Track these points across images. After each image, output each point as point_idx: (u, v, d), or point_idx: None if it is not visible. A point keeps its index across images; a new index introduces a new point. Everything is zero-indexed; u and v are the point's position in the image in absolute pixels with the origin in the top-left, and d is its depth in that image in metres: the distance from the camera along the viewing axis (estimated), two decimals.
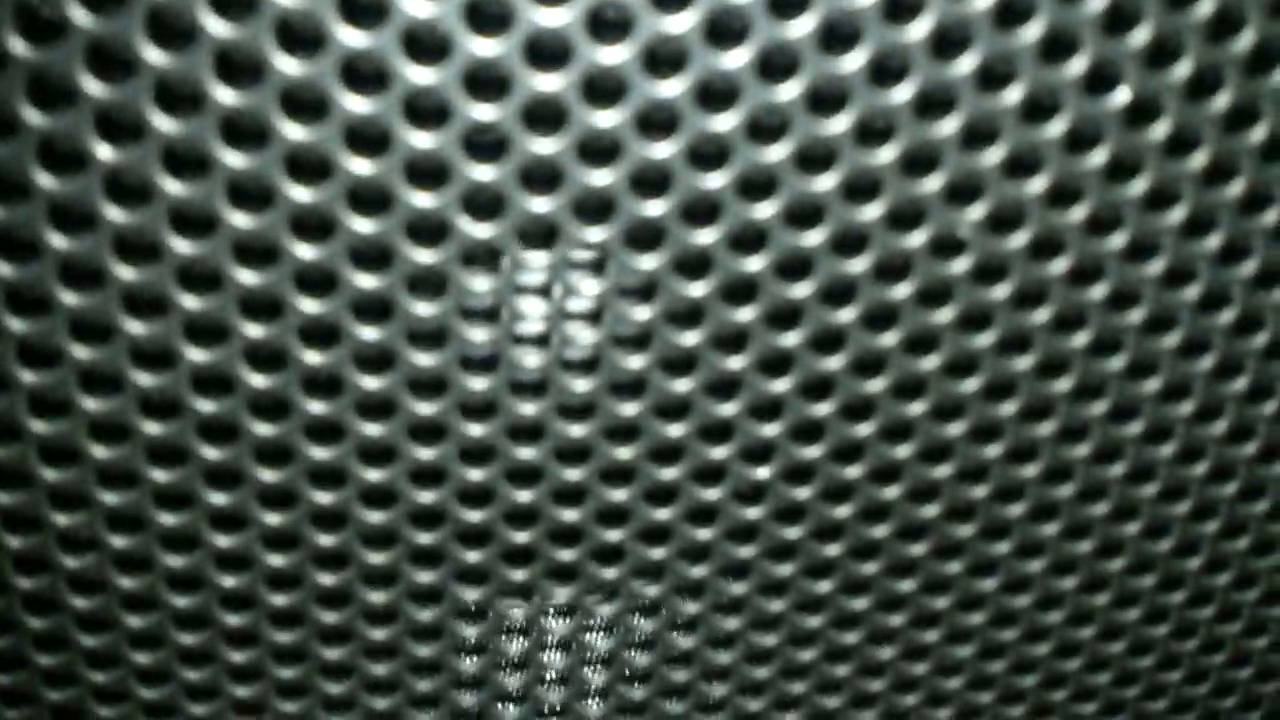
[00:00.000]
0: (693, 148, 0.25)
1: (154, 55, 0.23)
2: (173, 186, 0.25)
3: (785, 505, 0.31)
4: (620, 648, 0.34)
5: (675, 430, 0.29)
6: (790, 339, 0.28)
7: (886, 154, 0.26)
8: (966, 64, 0.25)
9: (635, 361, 0.28)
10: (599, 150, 0.25)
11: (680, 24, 0.24)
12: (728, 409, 0.29)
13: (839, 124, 0.25)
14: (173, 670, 0.32)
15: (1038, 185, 0.27)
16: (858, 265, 0.27)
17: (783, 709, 0.35)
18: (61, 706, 0.32)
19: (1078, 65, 0.25)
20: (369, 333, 0.27)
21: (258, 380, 0.27)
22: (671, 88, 0.25)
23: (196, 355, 0.27)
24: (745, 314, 0.28)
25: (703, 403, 0.29)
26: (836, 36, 0.24)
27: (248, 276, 0.26)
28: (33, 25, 0.23)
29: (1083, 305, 0.29)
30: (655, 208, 0.26)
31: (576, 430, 0.29)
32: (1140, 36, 0.25)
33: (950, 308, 0.28)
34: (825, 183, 0.26)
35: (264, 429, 0.28)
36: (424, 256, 0.26)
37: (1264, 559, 0.34)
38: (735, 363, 0.28)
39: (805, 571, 0.32)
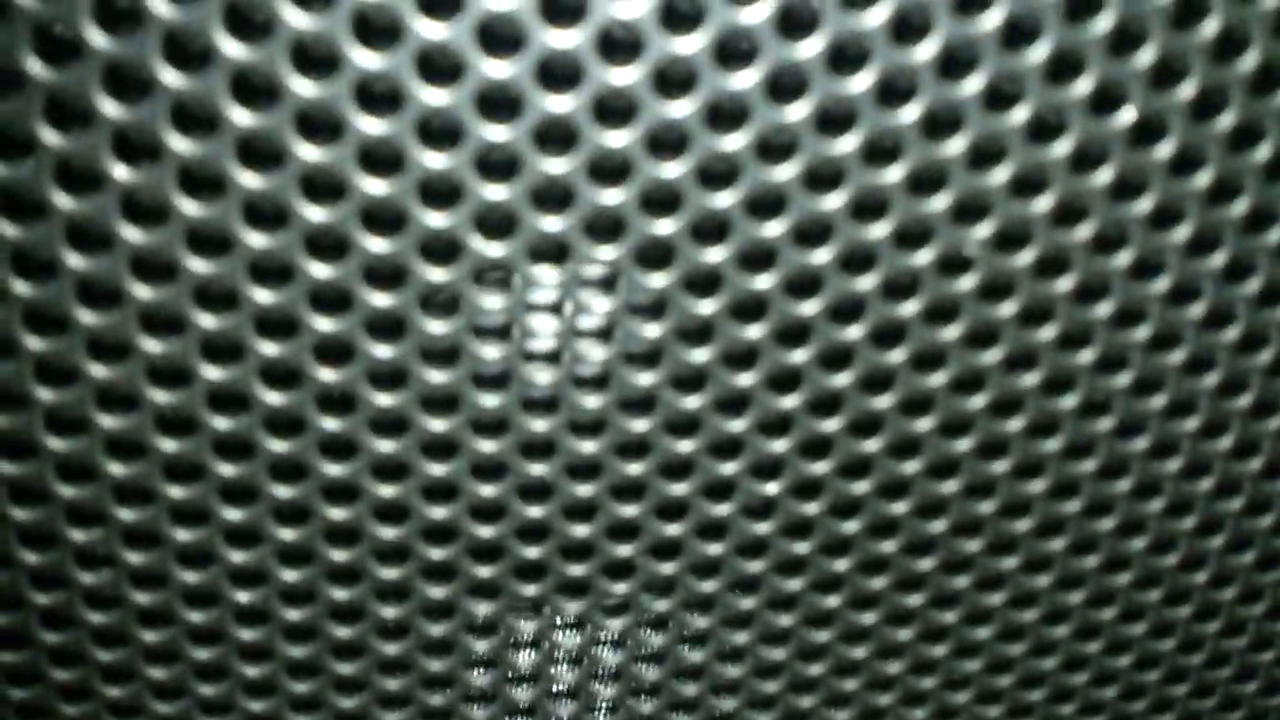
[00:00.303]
0: (702, 167, 0.26)
1: (170, 77, 0.24)
2: (189, 207, 0.25)
3: (794, 520, 0.31)
4: (629, 662, 0.34)
5: (685, 446, 0.30)
6: (799, 356, 0.28)
7: (894, 173, 0.26)
8: (973, 84, 0.25)
9: (646, 378, 0.28)
10: (610, 170, 0.25)
11: (690, 45, 0.24)
12: (737, 425, 0.29)
13: (847, 144, 0.26)
14: (187, 684, 0.32)
15: (1044, 204, 0.27)
16: (866, 283, 0.27)
17: None
18: None
19: (1084, 85, 0.26)
20: (382, 350, 0.27)
21: (273, 397, 0.28)
22: (681, 108, 0.25)
23: (212, 373, 0.27)
24: (754, 331, 0.28)
25: (712, 419, 0.29)
26: (844, 57, 0.25)
27: (263, 295, 0.26)
28: (50, 46, 0.23)
29: (1088, 322, 0.29)
30: (665, 226, 0.26)
31: (587, 446, 0.29)
32: (1145, 57, 0.25)
33: (957, 325, 0.28)
34: (833, 201, 0.26)
35: (279, 445, 0.28)
36: (437, 275, 0.26)
37: (1270, 573, 0.34)
38: (745, 379, 0.29)
39: (814, 586, 0.32)
